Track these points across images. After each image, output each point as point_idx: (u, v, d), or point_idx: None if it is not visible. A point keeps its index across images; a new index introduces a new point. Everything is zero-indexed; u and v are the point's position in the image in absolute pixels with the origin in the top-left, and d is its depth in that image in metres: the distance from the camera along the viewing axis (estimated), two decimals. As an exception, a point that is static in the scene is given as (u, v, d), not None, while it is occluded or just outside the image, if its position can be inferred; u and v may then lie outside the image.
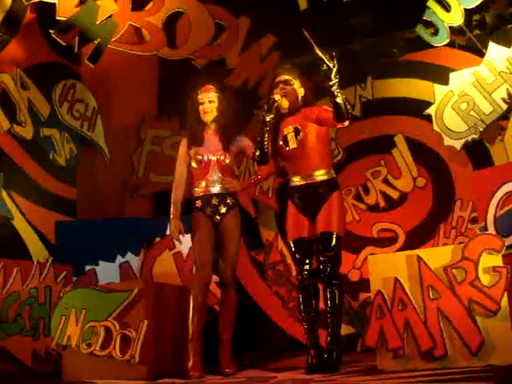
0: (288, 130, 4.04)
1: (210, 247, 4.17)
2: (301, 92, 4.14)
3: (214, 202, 4.21)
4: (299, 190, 4.02)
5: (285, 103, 4.04)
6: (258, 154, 4.01)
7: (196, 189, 4.28)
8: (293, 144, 4.02)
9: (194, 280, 4.17)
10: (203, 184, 4.24)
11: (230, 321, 4.22)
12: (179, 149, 4.37)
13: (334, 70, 3.75)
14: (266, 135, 3.96)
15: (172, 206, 4.27)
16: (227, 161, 4.26)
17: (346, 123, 3.92)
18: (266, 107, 3.95)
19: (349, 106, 3.90)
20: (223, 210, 4.21)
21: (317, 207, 3.97)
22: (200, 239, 4.17)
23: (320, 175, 3.99)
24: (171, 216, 4.27)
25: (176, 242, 4.89)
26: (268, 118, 3.94)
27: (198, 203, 4.24)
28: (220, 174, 4.24)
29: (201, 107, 4.29)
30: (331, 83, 3.74)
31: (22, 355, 4.69)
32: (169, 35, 5.85)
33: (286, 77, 4.10)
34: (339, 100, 3.75)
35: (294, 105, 4.08)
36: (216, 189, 4.23)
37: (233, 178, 4.31)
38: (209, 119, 4.30)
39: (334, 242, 3.88)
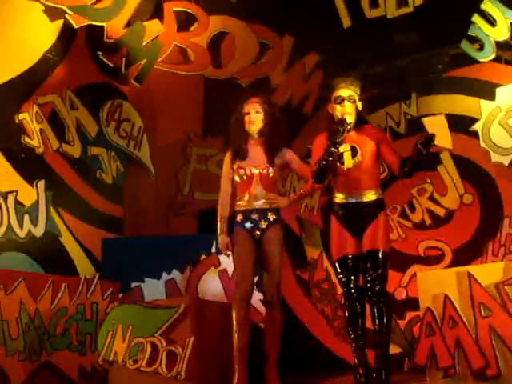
0: (345, 148, 3.94)
1: (251, 262, 4.12)
2: (359, 107, 4.05)
3: (254, 216, 4.16)
4: (346, 208, 3.98)
5: (350, 121, 3.94)
6: (318, 172, 3.93)
7: (238, 203, 4.23)
8: (348, 164, 3.94)
9: (235, 295, 4.14)
10: (246, 198, 4.19)
11: (276, 339, 4.15)
12: (223, 164, 4.35)
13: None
14: (332, 157, 3.87)
15: (219, 222, 4.25)
16: (271, 174, 4.21)
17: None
18: (339, 129, 3.83)
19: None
20: (264, 225, 4.16)
21: (364, 226, 3.92)
22: (240, 254, 4.13)
23: (370, 195, 3.95)
24: (218, 232, 4.25)
25: (221, 259, 4.92)
26: (339, 140, 3.84)
27: (239, 217, 4.20)
28: (263, 188, 4.19)
29: (246, 117, 4.24)
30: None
31: (69, 370, 4.73)
32: (214, 55, 5.94)
33: (350, 92, 3.98)
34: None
35: (354, 122, 4.01)
36: (258, 203, 4.18)
37: (277, 192, 4.27)
38: (254, 130, 4.24)
39: (380, 260, 3.83)
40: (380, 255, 3.84)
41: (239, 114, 4.26)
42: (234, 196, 4.29)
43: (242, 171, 4.20)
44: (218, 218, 4.26)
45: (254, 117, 4.22)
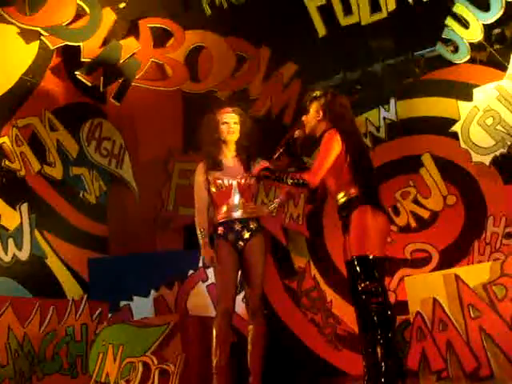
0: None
1: (234, 275, 4.04)
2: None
3: (237, 227, 4.07)
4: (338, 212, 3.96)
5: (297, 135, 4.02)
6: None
7: (216, 214, 4.11)
8: None
9: (217, 310, 4.05)
10: (224, 209, 4.09)
11: (259, 352, 4.00)
12: (196, 174, 4.22)
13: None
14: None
15: (200, 235, 4.12)
16: (249, 184, 4.13)
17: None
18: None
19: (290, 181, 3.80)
20: (246, 235, 4.07)
21: (346, 231, 3.89)
22: (223, 267, 4.02)
23: (340, 198, 3.81)
24: (201, 245, 4.11)
25: (209, 274, 4.90)
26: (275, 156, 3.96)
27: (221, 230, 4.08)
28: (242, 198, 4.10)
29: (224, 127, 4.17)
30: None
31: (61, 395, 4.70)
32: (191, 70, 5.94)
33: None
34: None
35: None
36: (238, 214, 4.08)
37: (255, 202, 4.21)
38: (233, 139, 4.18)
39: (356, 268, 3.64)
40: (355, 263, 3.66)
41: (213, 123, 4.18)
42: (209, 208, 4.19)
43: (219, 182, 4.10)
44: (199, 231, 4.11)
45: (234, 127, 4.17)
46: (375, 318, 3.55)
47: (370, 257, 3.60)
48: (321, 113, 3.87)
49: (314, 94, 3.97)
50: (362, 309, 3.61)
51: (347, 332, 5.56)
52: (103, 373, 4.28)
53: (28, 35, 5.48)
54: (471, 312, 3.59)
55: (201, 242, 4.09)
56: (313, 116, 3.91)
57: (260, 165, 3.98)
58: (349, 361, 5.41)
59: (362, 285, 3.59)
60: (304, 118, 3.97)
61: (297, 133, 3.95)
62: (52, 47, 5.51)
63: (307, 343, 5.75)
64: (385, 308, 3.58)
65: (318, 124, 3.88)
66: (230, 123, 4.18)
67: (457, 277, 3.66)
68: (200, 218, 4.12)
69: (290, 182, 3.74)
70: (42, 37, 5.46)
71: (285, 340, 5.67)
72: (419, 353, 3.66)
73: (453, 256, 5.45)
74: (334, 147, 3.73)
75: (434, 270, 5.36)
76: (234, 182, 4.11)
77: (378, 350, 3.52)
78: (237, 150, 4.21)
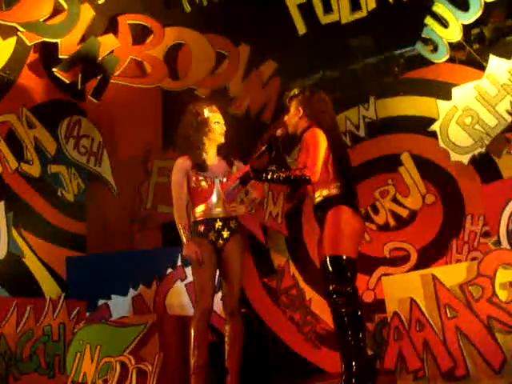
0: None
1: (212, 274, 4.01)
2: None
3: (218, 226, 4.05)
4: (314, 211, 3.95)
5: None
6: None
7: (197, 212, 4.08)
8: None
9: (195, 309, 4.03)
10: (203, 207, 4.07)
11: (237, 352, 3.98)
12: (175, 170, 4.14)
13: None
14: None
15: (182, 230, 4.03)
16: (229, 183, 4.05)
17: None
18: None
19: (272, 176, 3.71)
20: (226, 234, 4.05)
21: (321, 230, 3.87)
22: (200, 268, 3.98)
23: (317, 196, 3.80)
24: (184, 240, 4.03)
25: (188, 272, 4.89)
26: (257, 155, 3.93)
27: (201, 228, 4.06)
28: (223, 197, 4.07)
29: (217, 126, 4.14)
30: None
31: (38, 395, 4.67)
32: (170, 67, 5.89)
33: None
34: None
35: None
36: (217, 212, 4.07)
37: (234, 201, 4.16)
38: (222, 140, 4.16)
39: (329, 267, 3.63)
40: (328, 263, 3.64)
41: (200, 119, 4.12)
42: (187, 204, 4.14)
43: (201, 179, 4.07)
44: (181, 226, 4.04)
45: (223, 128, 4.16)
46: (346, 319, 3.55)
47: (344, 257, 3.60)
48: (300, 110, 3.86)
49: (293, 93, 3.97)
50: (333, 309, 3.62)
51: (326, 330, 5.57)
52: (81, 373, 4.25)
53: (4, 31, 5.41)
54: (448, 312, 3.61)
55: (183, 237, 4.02)
56: (293, 114, 3.90)
57: (242, 168, 3.90)
58: (327, 359, 5.43)
59: (334, 285, 3.60)
60: (286, 117, 3.97)
61: (279, 131, 3.93)
62: (29, 43, 5.42)
63: (286, 341, 5.77)
64: (355, 309, 3.59)
65: (298, 121, 3.87)
66: (221, 123, 4.17)
67: (434, 277, 3.68)
68: (180, 213, 4.06)
69: (288, 180, 3.67)
70: (18, 33, 5.37)
71: (264, 338, 5.68)
72: (396, 352, 3.68)
73: (431, 254, 5.48)
74: (321, 142, 3.72)
75: (412, 268, 5.39)
76: (217, 181, 4.10)
77: (349, 350, 3.55)
78: (218, 148, 4.19)
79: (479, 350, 3.54)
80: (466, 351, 3.56)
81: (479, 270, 3.61)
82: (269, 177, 3.67)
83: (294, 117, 3.89)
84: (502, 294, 3.54)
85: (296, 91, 3.95)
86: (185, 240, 4.02)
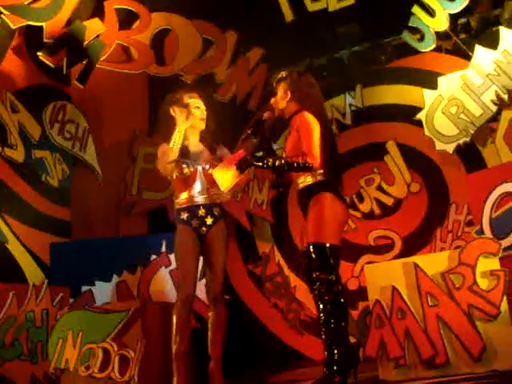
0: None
1: (195, 261, 3.98)
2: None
3: (201, 213, 4.01)
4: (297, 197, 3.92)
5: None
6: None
7: (179, 199, 4.04)
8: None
9: (177, 296, 4.01)
10: (186, 195, 4.01)
11: (219, 339, 3.96)
12: (159, 158, 4.06)
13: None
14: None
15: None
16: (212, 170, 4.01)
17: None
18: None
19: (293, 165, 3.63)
20: (209, 221, 4.02)
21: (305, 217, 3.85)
22: (183, 254, 3.96)
23: (300, 183, 3.76)
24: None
25: (172, 259, 4.88)
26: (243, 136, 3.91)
27: (184, 215, 4.01)
28: (206, 184, 4.04)
29: (197, 111, 4.09)
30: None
31: (21, 381, 4.62)
32: (157, 52, 5.86)
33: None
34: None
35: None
36: (201, 199, 4.02)
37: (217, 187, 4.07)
38: (203, 126, 4.13)
39: (313, 256, 3.60)
40: (311, 250, 3.61)
41: (180, 103, 4.06)
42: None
43: (184, 167, 4.02)
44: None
45: (204, 113, 4.11)
46: (328, 307, 3.55)
47: (327, 245, 3.59)
48: (288, 93, 3.82)
49: (280, 76, 3.93)
50: (316, 296, 3.63)
51: (310, 317, 5.60)
52: (63, 359, 4.23)
53: (-12, 14, 5.35)
54: (429, 300, 3.63)
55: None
56: (281, 97, 3.86)
57: (235, 154, 3.81)
58: (312, 346, 5.47)
59: (317, 273, 3.59)
60: (272, 100, 3.93)
61: (265, 115, 3.90)
62: (13, 27, 5.33)
63: (270, 328, 5.79)
64: (338, 296, 3.58)
65: (286, 105, 3.83)
66: (202, 109, 4.12)
67: (416, 265, 3.69)
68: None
69: (292, 167, 3.59)
70: (2, 15, 5.28)
71: (248, 325, 5.71)
72: (378, 340, 3.70)
73: (416, 243, 5.52)
74: (314, 126, 3.68)
75: (396, 256, 5.43)
76: (199, 168, 4.05)
77: (331, 337, 3.55)
78: (201, 134, 4.16)
79: (459, 338, 3.56)
80: (446, 339, 3.59)
81: (460, 259, 3.62)
82: (270, 163, 3.60)
83: (282, 100, 3.85)
84: (483, 283, 3.57)
85: (284, 74, 3.92)
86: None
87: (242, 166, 3.68)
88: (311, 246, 3.62)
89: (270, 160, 3.63)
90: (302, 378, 4.13)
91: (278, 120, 4.03)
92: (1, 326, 4.66)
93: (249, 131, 3.84)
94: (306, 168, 3.60)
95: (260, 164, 3.64)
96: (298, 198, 3.79)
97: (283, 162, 3.60)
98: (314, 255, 3.60)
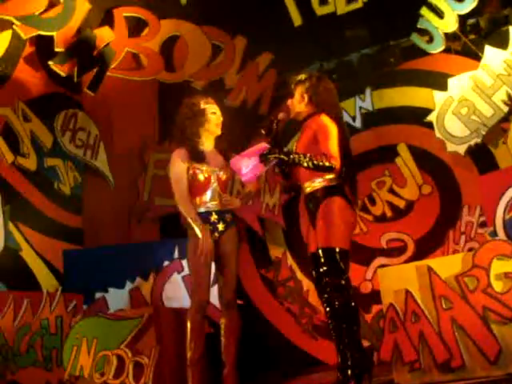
0: None
1: (208, 267, 3.98)
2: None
3: (213, 219, 4.01)
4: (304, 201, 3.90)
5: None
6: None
7: (192, 205, 4.00)
8: None
9: (192, 302, 4.01)
10: (200, 200, 4.01)
11: (233, 345, 3.96)
12: (175, 161, 4.05)
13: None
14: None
15: (193, 222, 3.90)
16: (226, 175, 4.09)
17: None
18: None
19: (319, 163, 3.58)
20: (221, 227, 4.02)
21: (313, 221, 3.79)
22: (198, 259, 3.93)
23: (307, 187, 3.77)
24: (199, 233, 3.88)
25: (185, 264, 4.89)
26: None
27: None
28: (219, 190, 4.05)
29: (214, 117, 4.10)
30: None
31: (36, 387, 4.68)
32: (166, 59, 5.89)
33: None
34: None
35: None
36: (214, 205, 4.03)
37: (229, 194, 4.14)
38: (219, 132, 4.12)
39: (323, 260, 3.60)
40: (321, 255, 3.62)
41: (196, 109, 4.07)
42: None
43: (198, 172, 4.02)
44: (191, 219, 3.92)
45: (220, 119, 4.11)
46: (339, 311, 3.55)
47: (337, 249, 3.59)
48: (305, 97, 3.83)
49: (299, 78, 3.93)
50: (327, 303, 3.62)
51: (323, 322, 5.56)
52: (77, 366, 4.26)
53: (0, 24, 5.40)
54: (443, 303, 3.60)
55: (198, 231, 3.89)
56: (298, 100, 3.87)
57: (260, 146, 3.72)
58: (325, 350, 5.44)
59: (327, 278, 3.59)
60: (289, 101, 3.93)
61: (281, 115, 3.89)
62: (25, 37, 5.40)
63: (284, 333, 5.79)
64: (349, 300, 3.59)
65: (302, 108, 3.85)
66: (217, 114, 4.12)
67: (429, 268, 3.66)
68: (186, 205, 3.97)
69: (314, 165, 3.55)
70: (14, 26, 5.35)
71: (261, 330, 5.70)
72: (392, 344, 3.68)
73: (428, 245, 5.50)
74: (332, 129, 3.69)
75: (409, 259, 5.41)
76: (214, 173, 4.06)
77: (344, 341, 3.55)
78: (214, 141, 4.16)
79: (475, 341, 3.53)
80: (461, 342, 3.56)
81: (474, 262, 3.60)
82: (296, 159, 3.57)
83: (298, 104, 3.86)
84: (497, 285, 3.54)
85: (303, 77, 3.92)
86: (200, 233, 3.90)
87: (266, 158, 3.64)
88: (320, 251, 3.62)
89: (296, 155, 3.60)
90: (316, 382, 4.11)
91: (292, 122, 4.04)
92: (16, 333, 4.70)
93: (263, 131, 3.84)
94: (329, 169, 3.59)
95: (285, 158, 3.60)
96: (305, 202, 3.80)
97: (307, 158, 3.58)
98: (323, 260, 3.60)
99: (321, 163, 3.56)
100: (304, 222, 4.00)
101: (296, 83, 3.92)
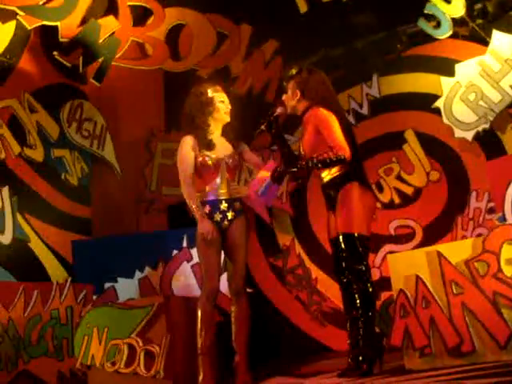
0: None
1: (218, 256, 4.02)
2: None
3: (223, 207, 4.02)
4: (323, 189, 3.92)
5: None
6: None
7: (201, 193, 4.03)
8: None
9: (202, 290, 4.04)
10: (209, 188, 4.02)
11: (244, 332, 4.00)
12: (182, 147, 4.07)
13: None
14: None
15: (195, 206, 3.95)
16: (235, 163, 4.10)
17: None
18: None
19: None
20: (231, 215, 4.03)
21: (332, 208, 3.87)
22: (207, 247, 3.97)
23: (325, 176, 3.82)
24: (197, 217, 3.94)
25: (194, 253, 4.90)
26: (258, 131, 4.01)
27: (207, 209, 4.01)
28: (228, 178, 4.06)
29: (222, 106, 4.10)
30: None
31: (48, 377, 4.72)
32: (172, 48, 5.87)
33: None
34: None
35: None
36: (223, 193, 4.04)
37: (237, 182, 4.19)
38: (227, 120, 4.12)
39: (343, 246, 3.68)
40: (341, 240, 3.68)
41: (204, 98, 4.07)
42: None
43: (207, 159, 4.02)
44: (192, 204, 3.96)
45: (228, 107, 4.12)
46: (357, 297, 3.60)
47: (356, 235, 3.64)
48: (298, 92, 3.86)
49: (290, 73, 3.95)
50: (345, 287, 3.65)
51: (332, 309, 5.60)
52: (89, 355, 4.27)
53: (4, 15, 5.36)
54: (453, 288, 3.61)
55: (197, 215, 3.96)
56: (290, 96, 3.89)
57: (268, 166, 3.86)
58: (334, 337, 5.46)
59: (346, 263, 3.62)
60: (284, 97, 3.96)
61: (278, 110, 3.93)
62: (29, 27, 5.39)
63: (293, 320, 5.79)
64: (367, 287, 3.62)
65: (296, 104, 3.87)
66: (226, 102, 4.13)
67: (439, 254, 3.66)
68: (189, 191, 4.00)
69: (323, 163, 3.61)
70: (18, 16, 5.34)
71: (270, 318, 5.71)
72: (402, 330, 3.68)
73: (436, 231, 5.49)
74: (332, 120, 3.72)
75: (417, 245, 5.40)
76: (222, 161, 4.06)
77: (358, 327, 3.58)
78: (223, 128, 4.16)
79: (485, 325, 3.53)
80: (472, 327, 3.56)
81: (484, 246, 3.59)
82: (304, 166, 3.66)
83: (291, 100, 3.89)
84: (508, 270, 3.53)
85: (293, 71, 3.93)
86: (198, 217, 3.96)
87: (278, 178, 3.73)
88: (341, 236, 3.66)
89: (303, 163, 3.68)
90: (326, 368, 4.12)
91: (292, 115, 4.04)
92: (26, 324, 4.72)
93: (262, 126, 3.87)
94: (339, 161, 3.63)
95: (294, 170, 3.69)
96: (324, 191, 3.83)
97: (315, 161, 3.64)
98: (343, 245, 3.65)
99: (330, 160, 3.61)
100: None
101: (287, 79, 3.94)
